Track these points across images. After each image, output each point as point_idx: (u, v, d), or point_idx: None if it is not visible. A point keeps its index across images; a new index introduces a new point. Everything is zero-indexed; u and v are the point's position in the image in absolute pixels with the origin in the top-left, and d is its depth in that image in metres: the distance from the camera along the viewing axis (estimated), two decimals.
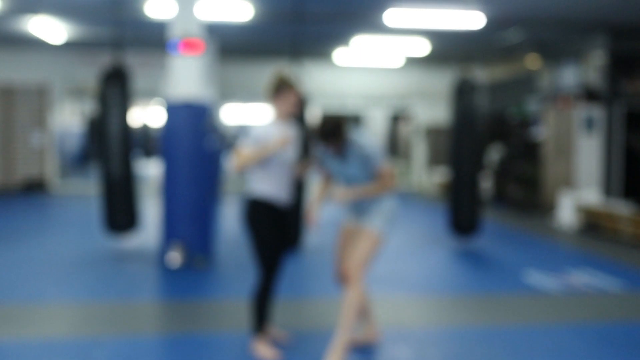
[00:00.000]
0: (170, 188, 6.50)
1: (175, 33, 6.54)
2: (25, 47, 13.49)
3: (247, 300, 4.10)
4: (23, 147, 14.29)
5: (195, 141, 6.50)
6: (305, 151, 6.82)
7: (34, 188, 14.09)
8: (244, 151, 3.81)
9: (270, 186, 3.86)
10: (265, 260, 3.83)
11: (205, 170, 6.59)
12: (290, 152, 3.93)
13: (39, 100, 14.28)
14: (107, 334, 4.29)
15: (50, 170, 14.42)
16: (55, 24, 10.89)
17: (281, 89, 3.87)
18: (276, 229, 3.89)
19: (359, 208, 3.88)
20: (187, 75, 6.60)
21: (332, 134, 3.68)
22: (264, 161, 3.82)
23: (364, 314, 4.07)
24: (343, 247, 3.95)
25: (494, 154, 13.35)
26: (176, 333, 4.38)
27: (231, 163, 3.84)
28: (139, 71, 14.06)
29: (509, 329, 4.53)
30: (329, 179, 4.03)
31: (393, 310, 4.88)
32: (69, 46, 13.24)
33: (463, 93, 7.48)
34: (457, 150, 7.50)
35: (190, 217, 6.48)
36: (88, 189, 13.73)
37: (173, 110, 6.51)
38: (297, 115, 4.55)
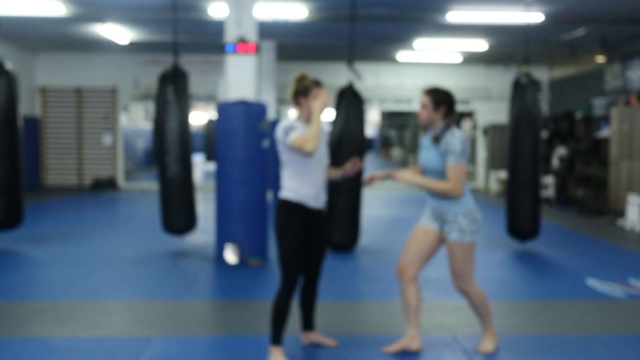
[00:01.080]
0: (223, 188, 6.55)
1: (231, 35, 6.60)
2: (96, 50, 13.90)
3: (298, 302, 4.07)
4: (94, 147, 14.77)
5: (250, 141, 6.52)
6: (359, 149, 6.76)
7: (104, 186, 14.54)
8: (299, 135, 3.68)
9: (301, 187, 3.77)
10: (286, 265, 3.72)
11: (260, 170, 6.60)
12: (322, 152, 3.86)
13: (110, 101, 14.72)
14: (159, 334, 4.34)
15: (119, 169, 14.87)
16: (122, 30, 11.19)
17: (304, 91, 3.79)
18: (304, 233, 3.79)
19: (438, 212, 3.89)
20: (242, 74, 6.66)
21: (444, 100, 3.82)
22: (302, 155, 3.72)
23: (414, 316, 3.97)
24: (411, 243, 3.96)
25: (558, 154, 12.95)
26: (228, 334, 4.40)
27: (305, 149, 3.61)
28: (204, 74, 14.33)
29: (568, 338, 4.34)
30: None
31: (443, 316, 4.76)
32: (137, 49, 13.58)
33: (523, 92, 7.26)
34: (517, 151, 7.29)
35: (244, 218, 6.52)
36: (154, 187, 14.08)
37: (227, 108, 6.54)
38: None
